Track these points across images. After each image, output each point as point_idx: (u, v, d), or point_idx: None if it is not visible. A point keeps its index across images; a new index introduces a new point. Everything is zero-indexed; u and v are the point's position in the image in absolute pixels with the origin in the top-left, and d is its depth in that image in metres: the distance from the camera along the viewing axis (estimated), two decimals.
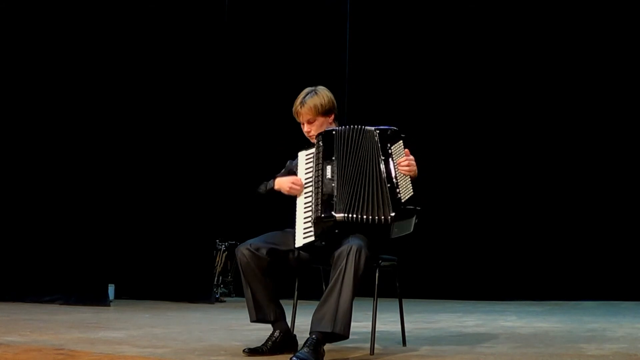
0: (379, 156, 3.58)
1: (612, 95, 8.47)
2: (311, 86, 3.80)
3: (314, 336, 3.29)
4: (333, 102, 3.76)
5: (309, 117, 3.72)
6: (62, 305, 6.76)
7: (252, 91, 8.96)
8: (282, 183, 3.68)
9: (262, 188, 3.79)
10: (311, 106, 3.70)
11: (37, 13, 7.30)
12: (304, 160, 3.70)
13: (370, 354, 3.60)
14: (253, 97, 8.96)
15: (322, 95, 3.73)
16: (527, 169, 8.62)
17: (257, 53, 8.91)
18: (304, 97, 3.73)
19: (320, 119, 3.73)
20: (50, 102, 7.23)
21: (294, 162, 3.81)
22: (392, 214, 3.48)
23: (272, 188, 3.72)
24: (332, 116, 3.77)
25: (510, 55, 8.73)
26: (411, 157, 3.61)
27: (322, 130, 3.71)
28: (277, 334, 3.62)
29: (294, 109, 3.75)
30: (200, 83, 7.79)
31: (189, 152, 7.78)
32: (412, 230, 3.61)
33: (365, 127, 3.64)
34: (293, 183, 3.63)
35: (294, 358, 3.17)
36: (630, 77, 8.41)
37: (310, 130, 3.74)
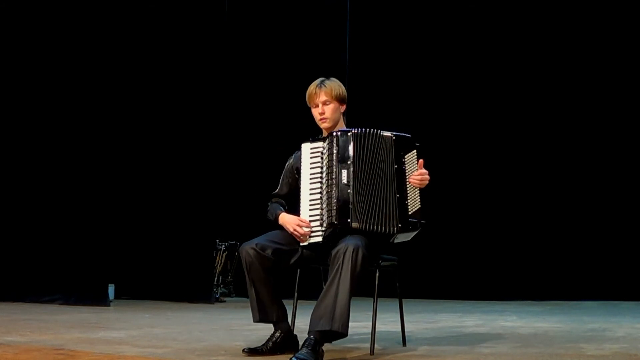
0: (392, 164, 3.58)
1: (612, 96, 8.46)
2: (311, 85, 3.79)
3: (312, 336, 3.30)
4: (346, 94, 3.78)
5: (326, 98, 3.69)
6: (62, 305, 6.76)
7: (252, 91, 8.96)
8: (286, 222, 3.63)
9: (270, 214, 3.77)
10: (330, 87, 3.70)
11: (37, 13, 7.30)
12: (309, 153, 3.66)
13: (370, 354, 3.60)
14: (253, 97, 8.96)
15: (339, 83, 3.77)
16: (527, 169, 8.62)
17: (257, 53, 8.91)
18: (323, 81, 3.73)
19: (336, 104, 3.71)
20: (50, 102, 7.23)
21: (297, 155, 3.79)
22: (399, 225, 3.50)
23: (277, 220, 3.70)
24: (344, 106, 3.77)
25: (509, 56, 8.73)
26: (424, 170, 3.61)
27: (334, 116, 3.71)
28: (278, 334, 3.62)
29: (309, 91, 3.73)
30: (200, 83, 7.78)
31: (189, 153, 7.78)
32: (409, 239, 3.62)
33: (383, 132, 3.62)
34: (298, 226, 3.57)
35: (294, 359, 3.17)
36: (630, 78, 8.40)
37: (325, 112, 3.70)
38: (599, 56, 8.49)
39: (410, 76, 9.05)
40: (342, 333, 3.33)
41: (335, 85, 3.72)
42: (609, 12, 8.48)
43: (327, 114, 3.71)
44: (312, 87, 3.74)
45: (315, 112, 3.74)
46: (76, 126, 7.16)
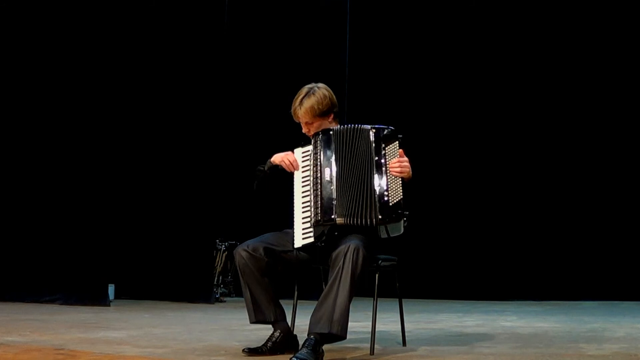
0: (372, 157, 3.56)
1: (612, 95, 8.46)
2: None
3: (312, 337, 3.30)
4: (331, 101, 3.69)
5: (306, 119, 3.68)
6: (62, 305, 6.76)
7: (252, 91, 8.96)
8: (277, 155, 3.69)
9: (261, 169, 3.75)
10: (307, 108, 3.65)
11: (37, 13, 7.30)
12: (300, 157, 3.68)
13: (370, 354, 3.60)
14: (253, 97, 8.96)
15: (319, 94, 3.67)
16: (527, 169, 8.62)
17: (257, 53, 8.91)
18: (302, 99, 3.67)
19: (319, 121, 3.68)
20: (51, 102, 7.23)
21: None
22: (379, 217, 3.48)
23: (271, 163, 3.70)
24: (331, 116, 3.72)
25: (508, 53, 8.72)
26: (404, 158, 3.57)
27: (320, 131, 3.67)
28: (277, 334, 3.62)
29: (292, 109, 3.71)
30: (200, 83, 7.78)
31: (189, 153, 7.78)
32: (402, 231, 3.61)
33: (362, 126, 3.60)
34: (287, 156, 3.64)
35: (294, 359, 3.17)
36: (630, 77, 8.40)
37: (309, 130, 3.71)
38: (598, 54, 8.49)
39: (410, 76, 9.04)
40: (341, 336, 3.33)
41: (314, 103, 3.64)
42: (608, 12, 8.47)
43: (312, 132, 3.70)
44: (294, 104, 3.69)
45: (302, 128, 3.75)
46: (76, 126, 7.16)
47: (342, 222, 3.48)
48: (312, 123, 3.69)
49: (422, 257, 8.31)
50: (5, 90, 7.35)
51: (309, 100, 3.66)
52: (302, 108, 3.66)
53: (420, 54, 9.05)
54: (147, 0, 7.95)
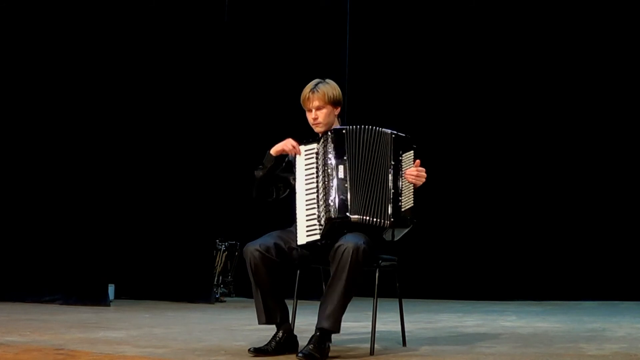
0: (389, 161, 3.59)
1: (612, 95, 8.46)
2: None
3: (317, 333, 3.36)
4: (341, 95, 3.76)
5: (319, 103, 3.68)
6: (62, 305, 6.76)
7: (252, 91, 8.96)
8: (276, 146, 3.70)
9: (259, 168, 3.74)
10: (324, 92, 3.68)
11: (37, 13, 7.30)
12: (304, 155, 3.68)
13: (370, 354, 3.61)
14: (253, 96, 8.96)
15: (333, 85, 3.74)
16: (528, 169, 8.61)
17: (257, 53, 8.91)
18: (316, 85, 3.71)
19: (329, 108, 3.70)
20: (50, 102, 7.23)
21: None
22: (391, 220, 3.51)
23: (270, 156, 3.70)
24: (339, 109, 3.75)
25: (507, 54, 8.71)
26: (422, 168, 3.63)
27: (328, 120, 3.70)
28: (281, 334, 3.64)
29: (302, 95, 3.72)
30: (200, 83, 7.78)
31: (189, 152, 7.78)
32: (397, 239, 3.65)
33: (383, 130, 3.64)
34: (287, 142, 3.65)
35: (300, 354, 3.21)
36: (630, 77, 8.40)
37: (318, 117, 3.70)
38: (599, 55, 8.48)
39: (410, 76, 9.04)
40: (332, 330, 3.39)
41: (328, 89, 3.70)
42: (608, 12, 8.47)
43: (320, 119, 3.71)
44: (305, 91, 3.72)
45: (309, 116, 3.74)
46: (76, 126, 7.15)
47: (356, 219, 3.49)
48: (323, 107, 3.69)
49: (422, 257, 8.30)
50: (5, 90, 7.35)
51: (324, 86, 3.71)
52: (317, 92, 3.68)
53: (421, 54, 9.04)
54: (147, 0, 7.95)
